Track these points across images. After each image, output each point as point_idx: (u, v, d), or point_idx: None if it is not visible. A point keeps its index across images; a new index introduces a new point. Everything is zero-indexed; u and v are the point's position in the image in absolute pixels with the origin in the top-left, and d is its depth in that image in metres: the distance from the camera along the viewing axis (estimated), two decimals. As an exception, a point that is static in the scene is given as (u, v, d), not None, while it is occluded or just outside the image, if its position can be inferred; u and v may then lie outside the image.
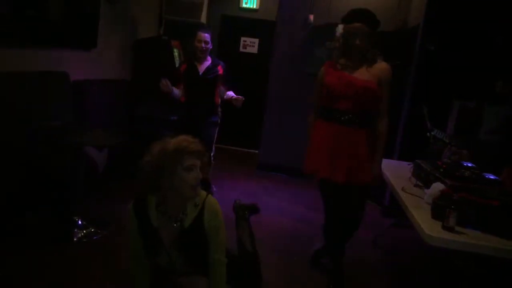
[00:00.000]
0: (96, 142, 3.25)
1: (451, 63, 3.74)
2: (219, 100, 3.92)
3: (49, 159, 3.22)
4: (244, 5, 5.99)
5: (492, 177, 2.38)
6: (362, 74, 2.49)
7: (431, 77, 3.84)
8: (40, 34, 3.43)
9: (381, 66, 2.51)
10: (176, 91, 3.77)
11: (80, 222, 3.06)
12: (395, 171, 2.93)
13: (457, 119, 3.59)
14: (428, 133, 3.00)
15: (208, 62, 3.81)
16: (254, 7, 5.99)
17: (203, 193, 1.75)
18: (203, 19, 5.68)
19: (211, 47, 3.79)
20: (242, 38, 6.21)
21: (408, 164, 2.98)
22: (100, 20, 4.12)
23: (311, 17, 4.97)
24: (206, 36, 3.73)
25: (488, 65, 3.55)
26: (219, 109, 3.99)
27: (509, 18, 3.49)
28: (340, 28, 2.45)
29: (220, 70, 3.83)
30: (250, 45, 6.21)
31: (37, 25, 3.41)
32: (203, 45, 3.71)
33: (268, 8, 5.91)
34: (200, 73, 3.77)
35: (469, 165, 2.53)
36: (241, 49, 6.24)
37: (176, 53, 5.09)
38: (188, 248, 1.72)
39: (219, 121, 3.96)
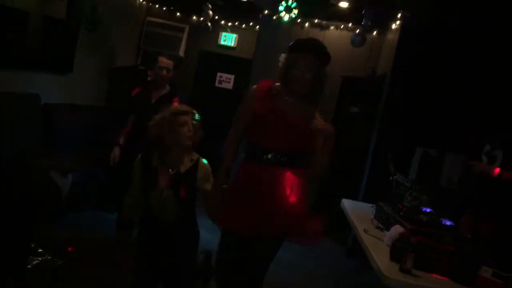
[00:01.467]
0: (61, 167, 3.20)
1: (415, 110, 3.93)
2: None
3: (10, 181, 3.13)
4: (222, 42, 6.14)
5: (448, 223, 2.48)
6: (300, 114, 2.08)
7: (396, 123, 4.00)
8: (16, 56, 3.43)
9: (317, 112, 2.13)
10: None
11: (36, 249, 2.95)
12: (358, 212, 2.99)
13: (419, 165, 3.74)
14: (391, 177, 3.10)
15: (164, 90, 3.47)
16: (232, 45, 6.15)
17: (197, 155, 2.27)
18: (181, 52, 5.78)
19: (171, 76, 3.49)
20: (218, 74, 6.32)
21: (372, 206, 3.06)
22: (78, 46, 4.15)
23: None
24: (169, 63, 3.44)
25: (450, 114, 3.75)
26: None
27: (469, 70, 3.73)
28: (282, 57, 2.14)
29: (175, 102, 3.37)
30: (225, 80, 6.33)
31: (14, 48, 3.41)
32: (164, 72, 3.40)
33: (245, 46, 6.09)
34: (153, 101, 3.41)
35: (428, 210, 2.62)
36: (217, 84, 6.35)
37: (151, 84, 5.13)
38: (178, 188, 2.17)
39: None
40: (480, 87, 3.70)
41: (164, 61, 3.40)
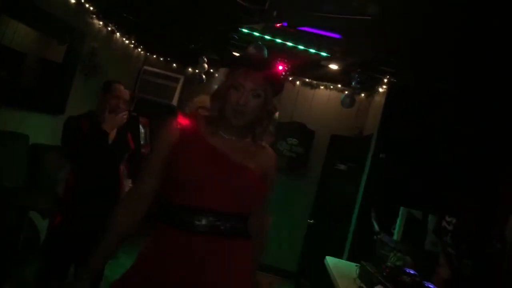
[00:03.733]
0: (41, 208, 3.14)
1: (400, 171, 4.00)
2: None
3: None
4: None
5: (431, 286, 2.46)
6: (244, 156, 1.50)
7: (381, 183, 4.06)
8: (9, 95, 3.47)
9: (269, 152, 1.61)
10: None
11: (7, 293, 2.83)
12: (342, 271, 2.95)
13: (404, 226, 3.75)
14: (375, 236, 3.10)
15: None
16: (225, 97, 6.31)
17: None
18: (175, 102, 5.89)
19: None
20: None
21: (356, 265, 3.03)
22: (72, 90, 4.23)
23: (277, 114, 5.27)
24: (126, 93, 2.82)
25: (435, 176, 3.82)
26: None
27: (454, 133, 3.85)
28: (221, 73, 1.69)
29: (131, 143, 2.88)
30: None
31: (8, 86, 3.46)
32: (120, 103, 2.69)
33: (238, 100, 6.24)
34: (109, 142, 2.65)
35: (412, 272, 2.60)
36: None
37: (142, 130, 5.18)
38: None
39: None
40: (464, 149, 3.80)
41: (123, 90, 2.79)
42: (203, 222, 1.39)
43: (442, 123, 3.95)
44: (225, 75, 1.59)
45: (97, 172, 2.62)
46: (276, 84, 1.57)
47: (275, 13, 3.42)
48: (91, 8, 4.19)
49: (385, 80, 4.45)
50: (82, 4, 4.06)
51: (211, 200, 1.41)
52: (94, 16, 4.36)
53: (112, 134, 2.68)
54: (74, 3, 3.94)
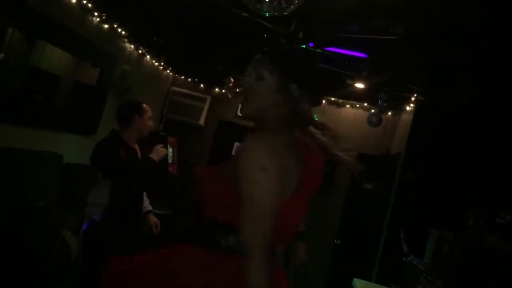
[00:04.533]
0: (74, 227, 3.23)
1: (430, 192, 3.92)
2: None
3: (23, 238, 3.17)
4: (241, 113, 6.38)
5: (464, 311, 2.38)
6: None
7: (410, 203, 3.98)
8: (45, 116, 3.62)
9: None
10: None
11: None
12: (371, 294, 2.90)
13: (435, 248, 3.65)
14: (404, 258, 3.04)
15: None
16: (251, 116, 6.37)
17: None
18: (202, 121, 6.00)
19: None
20: (236, 143, 6.48)
21: (384, 288, 2.97)
22: (105, 111, 4.37)
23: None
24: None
25: (466, 196, 3.72)
26: None
27: (484, 152, 3.76)
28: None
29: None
30: (242, 150, 6.47)
31: (44, 108, 3.62)
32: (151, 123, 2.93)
33: (264, 119, 6.30)
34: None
35: (443, 296, 2.53)
36: (234, 153, 6.48)
37: (170, 150, 5.27)
38: None
39: None
40: (494, 169, 3.70)
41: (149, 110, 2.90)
42: (230, 241, 1.28)
43: (470, 141, 3.87)
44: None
45: (138, 191, 2.86)
46: (292, 70, 1.33)
47: (300, 35, 3.47)
48: (123, 33, 4.36)
49: (412, 99, 4.41)
50: (115, 29, 4.23)
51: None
52: (126, 40, 4.53)
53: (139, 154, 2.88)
54: (107, 28, 4.11)
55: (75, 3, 3.61)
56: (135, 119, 2.83)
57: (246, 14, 3.05)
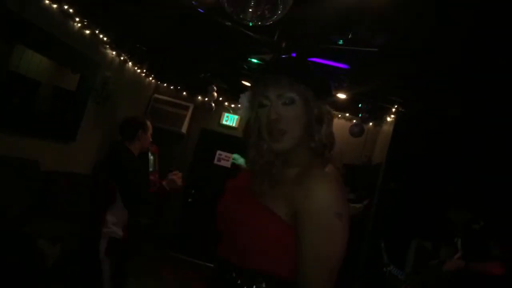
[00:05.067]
0: (50, 235, 3.15)
1: (410, 201, 3.96)
2: None
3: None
4: (224, 122, 6.36)
5: (443, 321, 2.39)
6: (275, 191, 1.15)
7: (391, 213, 4.01)
8: (23, 122, 3.54)
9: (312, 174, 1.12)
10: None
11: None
12: (351, 304, 2.89)
13: (415, 258, 3.68)
14: (384, 268, 3.05)
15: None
16: (234, 125, 6.36)
17: None
18: (184, 129, 5.96)
19: None
20: (218, 152, 6.45)
21: (365, 298, 2.97)
22: (84, 118, 4.30)
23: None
24: None
25: (445, 206, 3.77)
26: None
27: (464, 160, 3.82)
28: (245, 98, 1.30)
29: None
30: (224, 159, 6.44)
31: (22, 114, 3.54)
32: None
33: (247, 128, 6.30)
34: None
35: (423, 306, 2.55)
36: (216, 162, 6.45)
37: (151, 157, 5.21)
38: None
39: None
40: (475, 178, 3.76)
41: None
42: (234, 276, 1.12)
43: (450, 151, 3.93)
44: (248, 99, 1.27)
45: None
46: (313, 81, 1.17)
47: (284, 44, 3.49)
48: (105, 39, 4.31)
49: (393, 110, 4.47)
50: (97, 35, 4.18)
51: (224, 251, 1.18)
52: (108, 46, 4.48)
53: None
54: (89, 33, 4.06)
55: (56, 8, 3.56)
56: (139, 134, 2.93)
57: (229, 23, 3.05)
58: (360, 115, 4.58)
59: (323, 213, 1.02)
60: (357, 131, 4.71)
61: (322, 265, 1.04)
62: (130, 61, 5.04)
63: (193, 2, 2.95)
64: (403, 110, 4.30)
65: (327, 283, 1.05)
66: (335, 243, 1.04)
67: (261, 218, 1.09)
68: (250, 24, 2.30)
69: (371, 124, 5.23)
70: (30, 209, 3.48)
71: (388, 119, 4.69)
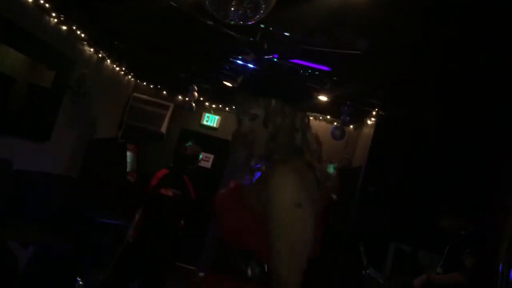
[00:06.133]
0: (21, 238, 3.04)
1: (389, 205, 3.98)
2: None
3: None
4: (205, 122, 6.29)
5: (421, 325, 2.40)
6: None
7: (370, 216, 4.03)
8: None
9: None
10: None
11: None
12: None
13: (393, 261, 3.70)
14: (363, 271, 3.05)
15: None
16: (214, 125, 6.30)
17: None
18: (164, 129, 5.86)
19: None
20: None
21: (344, 302, 2.96)
22: (59, 116, 4.17)
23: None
24: None
25: (424, 210, 3.80)
26: None
27: (442, 165, 3.87)
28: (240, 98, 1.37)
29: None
30: (205, 159, 6.36)
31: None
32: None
33: (227, 128, 6.24)
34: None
35: (401, 310, 2.55)
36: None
37: (129, 157, 5.11)
38: None
39: None
40: (453, 182, 3.81)
41: None
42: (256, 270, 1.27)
43: (429, 155, 3.98)
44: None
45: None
46: (281, 93, 1.32)
47: (265, 45, 3.46)
48: (82, 35, 4.20)
49: (374, 113, 4.49)
50: (74, 31, 4.06)
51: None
52: (85, 43, 4.36)
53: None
54: (65, 29, 3.94)
55: (32, 2, 3.43)
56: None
57: (211, 22, 2.99)
58: (341, 118, 4.59)
59: (280, 204, 1.17)
60: (338, 134, 4.71)
61: (287, 250, 1.16)
62: (108, 59, 4.93)
63: (172, 3, 2.89)
64: (383, 113, 4.32)
65: (295, 266, 1.17)
66: (298, 230, 1.17)
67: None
68: (232, 23, 2.26)
69: (351, 127, 5.25)
70: (2, 210, 3.35)
71: (369, 122, 4.71)
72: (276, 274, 1.16)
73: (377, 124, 4.37)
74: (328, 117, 5.43)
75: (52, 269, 3.74)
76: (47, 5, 3.57)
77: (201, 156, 3.91)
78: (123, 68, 5.35)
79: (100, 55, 4.73)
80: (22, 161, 3.69)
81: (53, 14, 3.72)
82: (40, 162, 4.05)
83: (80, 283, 3.94)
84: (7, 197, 3.47)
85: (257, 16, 2.17)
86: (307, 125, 1.33)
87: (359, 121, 5.06)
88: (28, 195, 3.70)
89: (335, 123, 4.94)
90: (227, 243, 1.32)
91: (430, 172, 3.93)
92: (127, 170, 4.79)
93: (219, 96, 5.95)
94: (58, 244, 3.57)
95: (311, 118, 5.44)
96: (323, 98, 4.51)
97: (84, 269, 4.05)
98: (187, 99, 5.62)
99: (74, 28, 4.04)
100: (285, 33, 3.25)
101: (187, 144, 3.62)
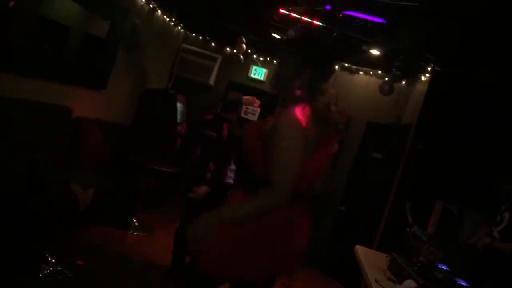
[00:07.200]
0: (82, 181, 3.26)
1: (438, 164, 3.89)
2: None
3: (31, 190, 3.21)
4: (252, 75, 6.27)
5: (463, 283, 2.40)
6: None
7: (418, 175, 3.96)
8: (53, 68, 3.57)
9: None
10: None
11: (49, 258, 2.98)
12: (372, 261, 2.93)
13: (439, 220, 3.66)
14: (408, 228, 3.05)
15: None
16: (261, 78, 6.27)
17: None
18: (212, 81, 5.93)
19: None
20: (245, 105, 6.43)
21: (386, 256, 2.99)
22: (115, 65, 4.31)
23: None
24: None
25: (474, 170, 3.69)
26: None
27: (497, 125, 3.69)
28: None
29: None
30: (251, 112, 6.42)
31: (52, 60, 3.57)
32: None
33: (274, 82, 6.21)
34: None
35: (444, 267, 2.55)
36: (242, 115, 6.44)
37: (179, 108, 5.25)
38: None
39: None
40: (508, 143, 3.64)
41: None
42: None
43: (484, 116, 3.79)
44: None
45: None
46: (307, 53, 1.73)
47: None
48: (135, -15, 4.23)
49: (429, 69, 4.29)
50: (126, -19, 4.10)
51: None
52: (137, -8, 4.40)
53: None
54: (118, -21, 3.98)
55: (86, -49, 3.48)
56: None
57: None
58: (392, 73, 4.43)
59: (281, 136, 1.62)
60: (387, 89, 4.57)
61: (282, 167, 1.60)
62: (159, 9, 4.96)
63: None
64: (439, 69, 4.12)
65: (288, 176, 1.59)
66: (291, 155, 1.60)
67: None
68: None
69: (404, 83, 5.06)
70: (63, 154, 3.58)
71: (423, 78, 4.52)
72: (272, 180, 1.57)
73: (431, 81, 4.18)
74: (379, 72, 5.25)
75: (109, 210, 4.03)
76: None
77: (245, 107, 4.02)
78: (173, 19, 5.38)
79: (151, 6, 4.76)
80: (80, 109, 3.89)
81: (107, -36, 3.76)
82: (97, 110, 4.26)
83: (136, 224, 4.24)
84: (67, 143, 3.71)
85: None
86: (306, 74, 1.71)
87: (413, 77, 4.86)
88: (86, 140, 3.93)
89: (386, 79, 4.77)
90: (246, 166, 1.80)
91: (484, 134, 3.77)
92: (178, 120, 4.93)
93: (266, 49, 5.88)
94: (114, 188, 3.81)
95: (360, 73, 5.32)
96: (375, 52, 4.35)
97: (137, 211, 4.34)
98: (235, 51, 5.61)
99: (127, -23, 4.07)
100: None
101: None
